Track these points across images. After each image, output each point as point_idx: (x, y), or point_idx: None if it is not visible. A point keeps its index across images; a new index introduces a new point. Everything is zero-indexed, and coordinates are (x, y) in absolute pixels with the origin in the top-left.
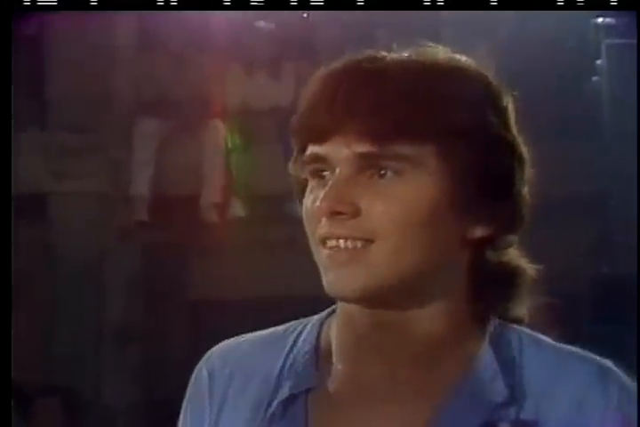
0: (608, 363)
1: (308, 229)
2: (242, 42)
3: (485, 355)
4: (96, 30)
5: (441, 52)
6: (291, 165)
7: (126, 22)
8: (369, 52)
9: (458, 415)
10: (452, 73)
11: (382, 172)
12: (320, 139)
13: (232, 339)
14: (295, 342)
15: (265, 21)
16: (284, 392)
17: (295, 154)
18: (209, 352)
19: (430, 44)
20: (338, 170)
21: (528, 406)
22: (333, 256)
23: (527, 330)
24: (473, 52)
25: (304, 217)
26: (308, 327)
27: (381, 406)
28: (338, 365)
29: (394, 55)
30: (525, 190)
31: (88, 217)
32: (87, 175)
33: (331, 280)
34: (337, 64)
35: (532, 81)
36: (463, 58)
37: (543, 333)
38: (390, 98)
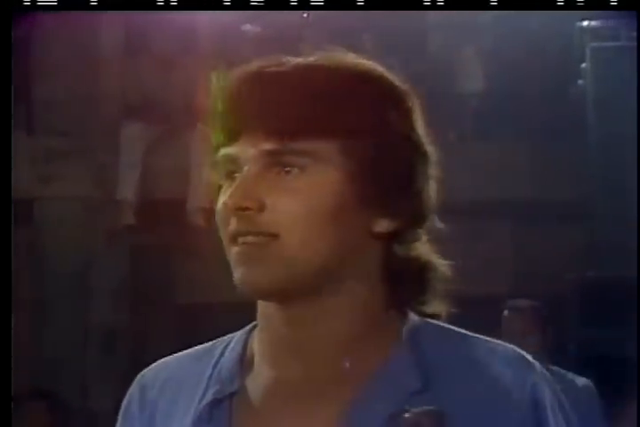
0: (522, 353)
1: (220, 229)
2: (229, 45)
3: (401, 346)
4: (83, 33)
5: (347, 57)
6: (207, 170)
7: (113, 25)
8: (276, 57)
9: (369, 406)
10: (354, 76)
11: (288, 168)
12: (229, 140)
13: (164, 358)
14: (223, 352)
15: (251, 24)
16: (208, 397)
17: (211, 159)
18: (142, 372)
19: (339, 49)
20: (245, 168)
21: (442, 394)
22: (241, 253)
23: (446, 324)
24: (459, 55)
25: (217, 218)
26: (236, 338)
27: (298, 405)
28: (259, 368)
29: (300, 59)
30: (431, 187)
31: (75, 221)
32: (74, 179)
33: (239, 277)
34: (244, 68)
35: (517, 84)
36: (369, 63)
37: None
38: (293, 98)
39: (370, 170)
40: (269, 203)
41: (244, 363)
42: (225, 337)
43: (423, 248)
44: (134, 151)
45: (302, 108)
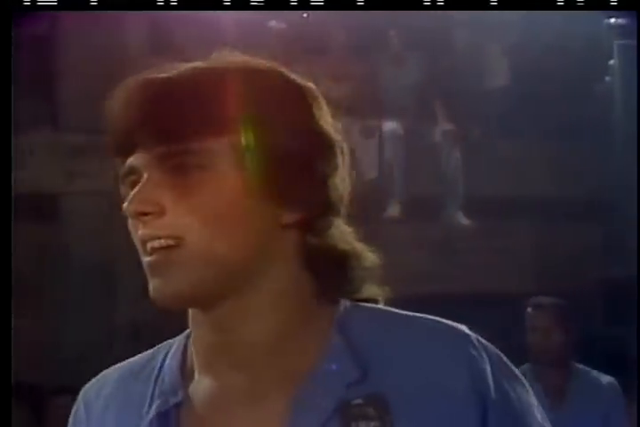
0: (460, 327)
1: (134, 241)
2: (253, 42)
3: (334, 337)
4: (108, 30)
5: (241, 58)
6: (120, 185)
7: (138, 22)
8: (167, 65)
9: (311, 404)
10: (243, 74)
11: (185, 169)
12: (127, 152)
13: (107, 369)
14: (164, 361)
15: (276, 21)
16: (153, 410)
17: (118, 173)
18: (85, 386)
19: (230, 51)
20: (145, 175)
21: (381, 380)
22: (152, 263)
23: (380, 306)
24: (485, 53)
25: (129, 228)
26: (175, 345)
27: (243, 410)
28: (199, 376)
29: (187, 64)
30: (340, 176)
31: (100, 216)
32: (99, 174)
33: (152, 288)
34: (131, 79)
35: (544, 81)
36: (264, 62)
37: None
38: (181, 100)
39: (265, 164)
40: (170, 206)
41: (186, 371)
42: (165, 343)
43: (342, 237)
44: None
45: (191, 109)
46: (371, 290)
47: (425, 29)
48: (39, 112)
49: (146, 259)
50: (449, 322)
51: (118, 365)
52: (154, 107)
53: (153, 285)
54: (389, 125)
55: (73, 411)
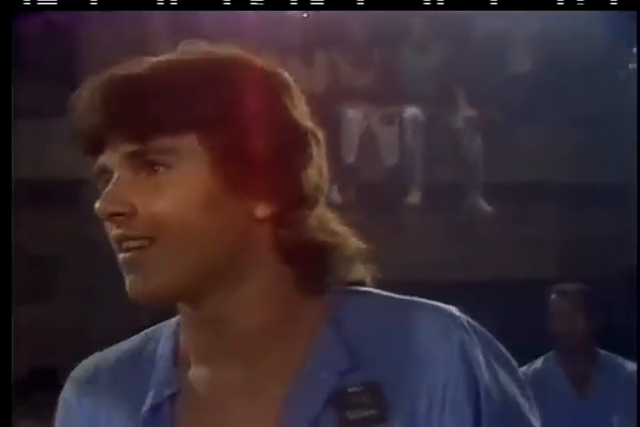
0: (449, 309)
1: (109, 239)
2: (275, 29)
3: (323, 327)
4: (129, 22)
5: (207, 49)
6: (96, 183)
7: (159, 12)
8: (134, 59)
9: (305, 392)
10: (208, 67)
11: (155, 168)
12: (96, 150)
13: (94, 356)
14: (156, 348)
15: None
16: (148, 402)
17: (91, 172)
18: (74, 374)
19: (199, 43)
20: (115, 174)
21: (374, 368)
22: (126, 260)
23: (368, 290)
24: (508, 38)
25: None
26: (165, 333)
27: (237, 401)
28: (194, 365)
29: (154, 58)
30: (314, 167)
31: None
32: None
33: (128, 286)
34: (97, 76)
35: (567, 68)
36: (230, 52)
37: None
38: (146, 97)
39: (234, 158)
40: (141, 205)
41: (180, 360)
42: (155, 328)
43: (322, 228)
44: None
45: (156, 106)
46: (358, 272)
47: (447, 16)
48: (62, 99)
49: (120, 256)
50: (439, 304)
51: (110, 350)
52: (119, 105)
53: (128, 281)
54: (410, 112)
55: (60, 403)
